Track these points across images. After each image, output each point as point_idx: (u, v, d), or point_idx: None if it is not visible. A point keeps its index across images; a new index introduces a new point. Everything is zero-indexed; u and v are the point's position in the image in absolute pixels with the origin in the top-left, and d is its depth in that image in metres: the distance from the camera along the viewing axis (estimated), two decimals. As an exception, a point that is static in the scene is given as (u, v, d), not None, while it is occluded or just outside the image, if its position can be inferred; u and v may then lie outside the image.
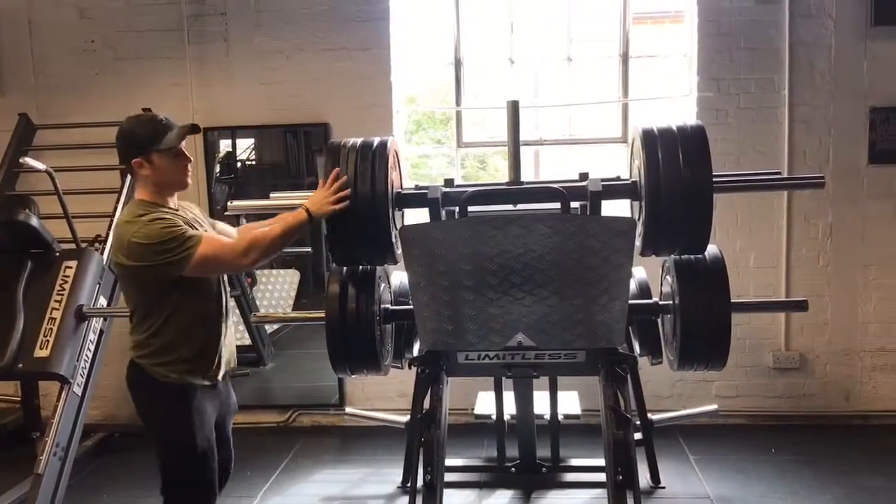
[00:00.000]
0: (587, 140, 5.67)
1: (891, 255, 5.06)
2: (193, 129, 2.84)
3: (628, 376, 3.17)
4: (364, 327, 3.25)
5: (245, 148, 5.92)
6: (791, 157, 4.99)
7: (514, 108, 3.30)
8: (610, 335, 2.99)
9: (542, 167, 5.63)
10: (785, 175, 4.60)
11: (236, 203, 3.84)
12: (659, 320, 3.47)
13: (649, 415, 4.34)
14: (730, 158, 4.96)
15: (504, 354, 3.14)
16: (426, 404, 3.18)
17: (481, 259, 2.82)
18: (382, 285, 3.41)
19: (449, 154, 5.70)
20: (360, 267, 3.32)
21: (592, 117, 5.55)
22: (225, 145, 5.76)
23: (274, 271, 6.22)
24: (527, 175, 3.89)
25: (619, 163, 5.08)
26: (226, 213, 5.34)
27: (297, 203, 3.80)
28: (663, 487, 4.32)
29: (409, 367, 3.39)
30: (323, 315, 3.30)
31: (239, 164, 5.81)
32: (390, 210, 3.09)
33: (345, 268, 3.31)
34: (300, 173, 5.77)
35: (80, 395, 4.08)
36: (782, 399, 5.23)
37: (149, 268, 2.71)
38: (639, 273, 3.57)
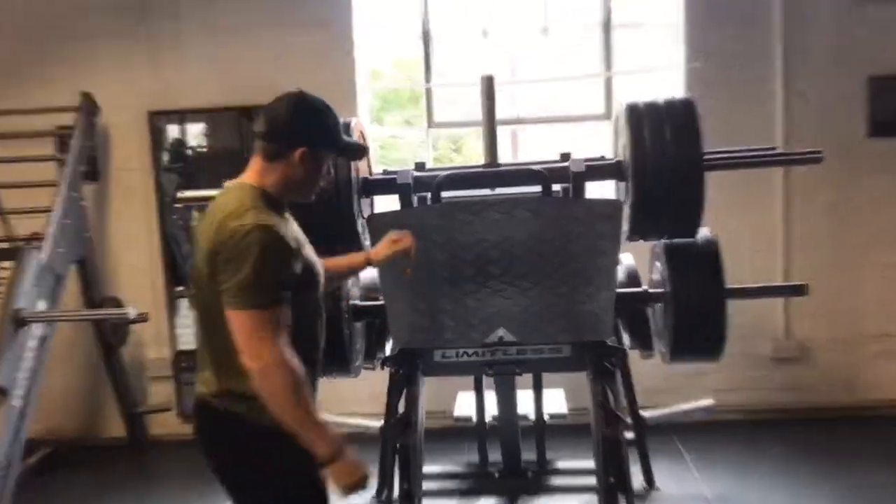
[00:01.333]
0: (568, 118, 5.68)
1: (893, 233, 5.13)
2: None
3: (618, 371, 3.18)
4: (331, 326, 3.22)
5: (196, 134, 5.86)
6: (786, 132, 5.04)
7: (488, 83, 3.27)
8: (597, 327, 2.99)
9: (520, 148, 5.63)
10: (781, 150, 4.64)
11: (186, 193, 3.79)
12: (649, 310, 3.48)
13: (641, 412, 4.38)
14: (721, 135, 4.90)
15: (484, 351, 3.10)
16: (401, 407, 3.18)
17: (457, 248, 2.81)
18: (350, 280, 3.39)
19: (420, 135, 5.69)
20: None
21: (573, 93, 5.54)
22: (174, 131, 5.70)
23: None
24: (504, 157, 3.89)
25: (604, 142, 5.08)
26: (175, 205, 5.32)
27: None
28: (658, 489, 4.35)
29: (382, 368, 3.37)
30: None
31: (189, 152, 5.75)
32: (356, 198, 3.06)
33: None
34: (254, 160, 5.71)
35: (20, 407, 4.02)
36: (782, 391, 5.29)
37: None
38: (626, 260, 3.59)
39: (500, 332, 3.01)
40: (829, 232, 5.16)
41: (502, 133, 3.58)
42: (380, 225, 2.85)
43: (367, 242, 3.10)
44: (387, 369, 3.35)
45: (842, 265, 5.18)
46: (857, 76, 5.01)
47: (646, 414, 4.38)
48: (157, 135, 5.39)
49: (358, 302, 3.43)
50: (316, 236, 3.04)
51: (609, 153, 3.39)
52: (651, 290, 3.36)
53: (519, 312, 2.95)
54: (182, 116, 5.57)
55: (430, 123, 5.37)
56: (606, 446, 2.85)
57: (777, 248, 5.16)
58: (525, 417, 4.16)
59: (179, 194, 4.08)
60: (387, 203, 3.35)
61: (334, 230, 3.06)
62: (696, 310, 3.11)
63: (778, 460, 4.66)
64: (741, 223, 5.10)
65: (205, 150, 5.78)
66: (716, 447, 4.87)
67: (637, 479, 4.30)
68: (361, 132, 3.22)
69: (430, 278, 2.88)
